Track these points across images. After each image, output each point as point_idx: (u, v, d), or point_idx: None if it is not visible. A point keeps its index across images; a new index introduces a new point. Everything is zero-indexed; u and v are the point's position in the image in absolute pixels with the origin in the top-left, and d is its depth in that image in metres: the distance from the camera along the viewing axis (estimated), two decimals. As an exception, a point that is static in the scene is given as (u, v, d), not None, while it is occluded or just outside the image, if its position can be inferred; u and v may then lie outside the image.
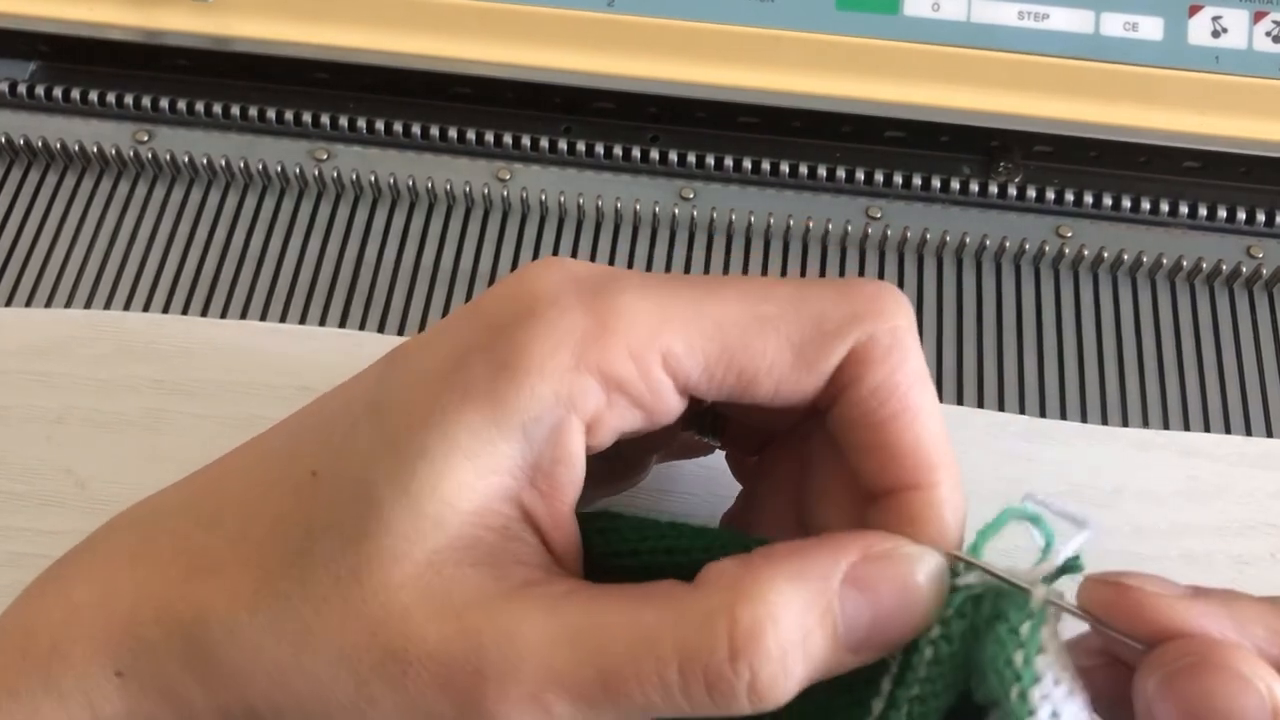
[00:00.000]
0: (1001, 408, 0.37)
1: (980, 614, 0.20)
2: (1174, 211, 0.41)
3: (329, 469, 0.22)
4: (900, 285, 0.40)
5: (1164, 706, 0.19)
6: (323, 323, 0.39)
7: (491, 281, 0.40)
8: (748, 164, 0.42)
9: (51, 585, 0.24)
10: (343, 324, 0.39)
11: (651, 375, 0.22)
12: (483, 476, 0.21)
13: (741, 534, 0.23)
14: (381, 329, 0.39)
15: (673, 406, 0.23)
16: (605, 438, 0.22)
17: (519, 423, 0.21)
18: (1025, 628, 0.19)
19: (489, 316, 0.22)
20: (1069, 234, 0.41)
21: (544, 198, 0.41)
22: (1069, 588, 0.21)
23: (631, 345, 0.21)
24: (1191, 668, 0.19)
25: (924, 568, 0.20)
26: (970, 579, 0.21)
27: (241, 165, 0.42)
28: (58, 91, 0.43)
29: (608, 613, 0.20)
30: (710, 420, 0.27)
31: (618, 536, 0.23)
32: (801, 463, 0.25)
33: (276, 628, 0.21)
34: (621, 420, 0.22)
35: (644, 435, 0.24)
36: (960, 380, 0.38)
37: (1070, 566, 0.21)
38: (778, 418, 0.25)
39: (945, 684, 0.21)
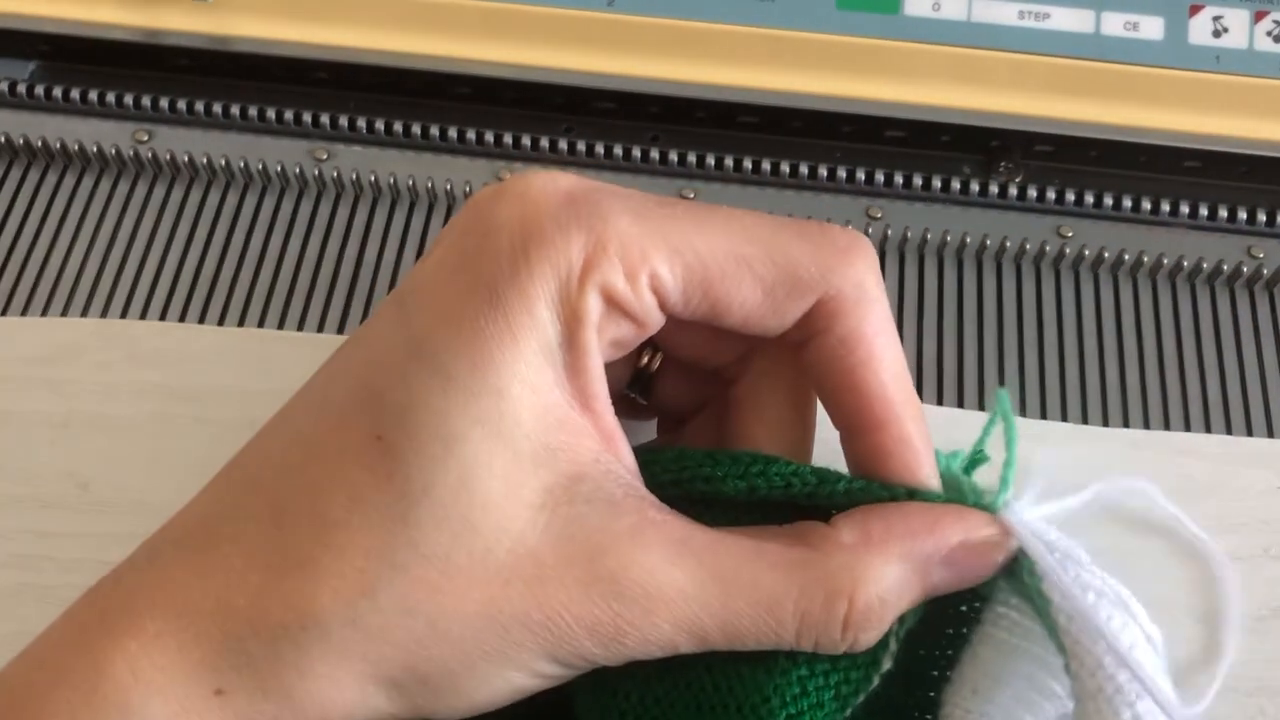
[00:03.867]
0: (1002, 408, 0.37)
1: None
2: (1174, 211, 0.41)
3: (395, 429, 0.22)
4: (900, 285, 0.40)
5: None
6: (322, 322, 0.39)
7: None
8: (748, 164, 0.42)
9: (108, 615, 0.23)
10: (343, 324, 0.39)
11: (642, 294, 0.23)
12: (551, 409, 0.22)
13: (793, 464, 0.25)
14: (382, 329, 0.39)
15: (656, 320, 0.24)
16: (605, 349, 0.24)
17: (558, 348, 0.22)
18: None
19: (499, 241, 0.23)
20: (1069, 234, 0.41)
21: (544, 198, 0.41)
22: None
23: (626, 266, 0.23)
24: None
25: (1004, 550, 0.24)
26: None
27: (241, 165, 0.42)
28: (58, 91, 0.43)
29: (732, 569, 0.22)
30: (643, 383, 0.29)
31: (660, 469, 0.25)
32: (728, 429, 0.27)
33: (403, 601, 0.21)
34: (617, 330, 0.24)
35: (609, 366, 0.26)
36: (960, 380, 0.38)
37: (979, 458, 0.26)
38: (718, 356, 0.27)
39: None
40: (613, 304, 0.23)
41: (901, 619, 0.24)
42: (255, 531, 0.22)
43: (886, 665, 0.24)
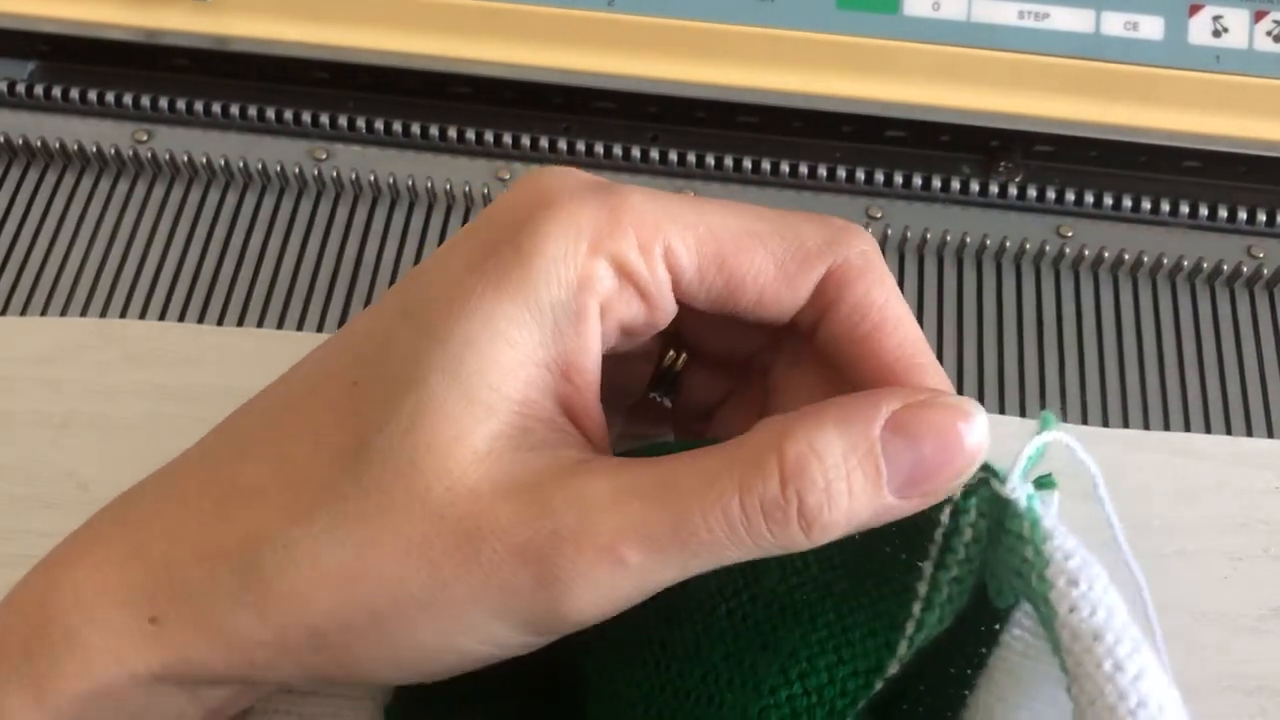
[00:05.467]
0: (1001, 408, 0.37)
1: (994, 519, 0.22)
2: (1174, 211, 0.41)
3: (368, 376, 0.23)
4: (900, 285, 0.40)
5: None
6: (322, 321, 0.39)
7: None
8: (748, 164, 0.42)
9: (71, 547, 0.24)
10: (342, 324, 0.39)
11: (655, 268, 0.23)
12: (523, 365, 0.22)
13: None
14: (382, 329, 0.39)
15: (669, 305, 0.24)
16: (611, 329, 0.24)
17: (549, 309, 0.22)
18: (1026, 528, 0.21)
19: (508, 215, 0.23)
20: (1069, 234, 0.41)
21: (544, 197, 0.41)
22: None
23: (640, 237, 0.23)
24: None
25: (965, 416, 0.21)
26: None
27: (241, 165, 0.42)
28: (57, 91, 0.43)
29: (671, 466, 0.22)
30: (668, 383, 0.29)
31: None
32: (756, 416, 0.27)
33: (338, 534, 0.21)
34: (627, 310, 0.23)
35: (625, 362, 0.25)
36: (960, 380, 0.38)
37: (1045, 483, 0.23)
38: (746, 344, 0.27)
39: (974, 572, 0.22)
40: (625, 276, 0.23)
41: (919, 623, 0.22)
42: (219, 468, 0.23)
43: (891, 669, 0.22)
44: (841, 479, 0.21)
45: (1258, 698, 0.29)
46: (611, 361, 0.25)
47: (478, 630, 0.22)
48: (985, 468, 0.22)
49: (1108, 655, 0.20)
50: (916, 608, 0.22)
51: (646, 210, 0.23)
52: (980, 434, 0.21)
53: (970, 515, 0.22)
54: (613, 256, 0.23)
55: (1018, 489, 0.22)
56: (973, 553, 0.22)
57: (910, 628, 0.22)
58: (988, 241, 0.40)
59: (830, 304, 0.24)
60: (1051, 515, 0.22)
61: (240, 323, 0.39)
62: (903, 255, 0.41)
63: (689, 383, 0.28)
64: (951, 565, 0.22)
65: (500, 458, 0.22)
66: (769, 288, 0.24)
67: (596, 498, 0.21)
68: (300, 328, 0.39)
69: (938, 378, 0.24)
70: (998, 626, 0.23)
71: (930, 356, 0.24)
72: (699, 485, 0.21)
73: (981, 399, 0.38)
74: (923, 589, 0.22)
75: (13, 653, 0.22)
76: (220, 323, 0.39)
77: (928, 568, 0.22)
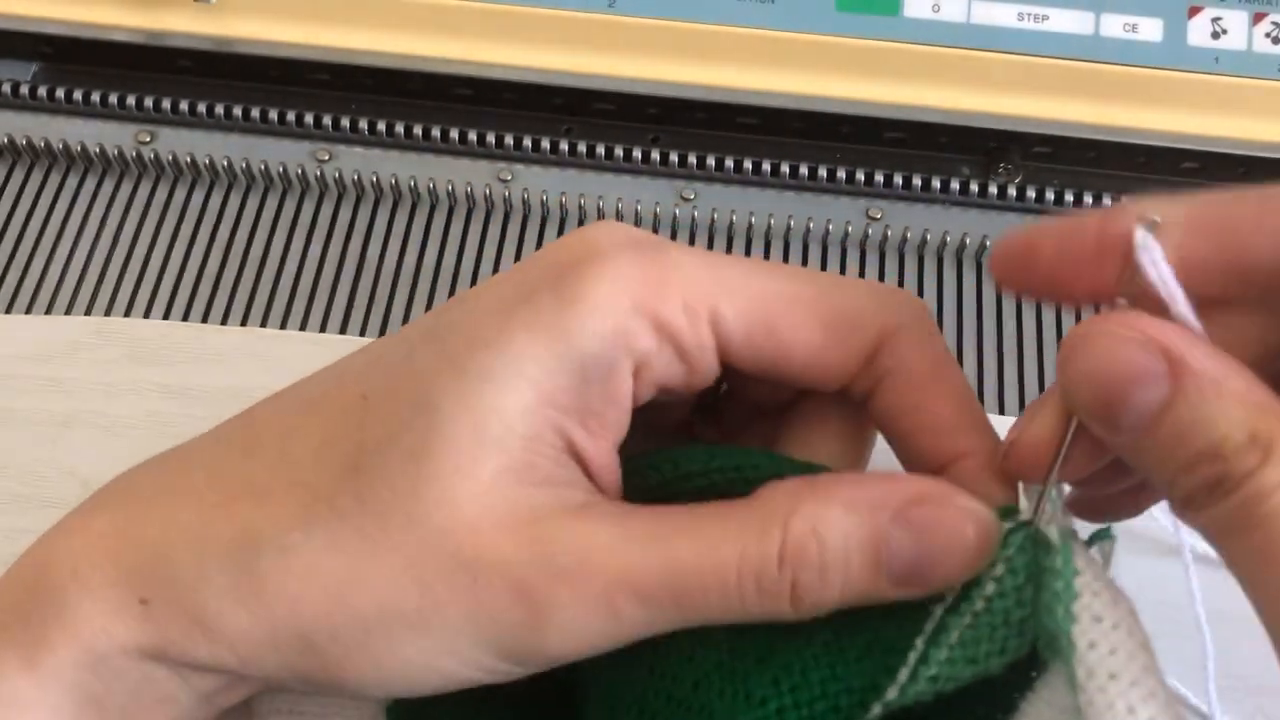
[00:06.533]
0: (1002, 409, 0.37)
1: (1036, 571, 0.22)
2: (1173, 212, 0.41)
3: (381, 391, 0.23)
4: (900, 285, 0.40)
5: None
6: (324, 322, 0.39)
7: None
8: (748, 164, 0.42)
9: (72, 521, 0.24)
10: (344, 324, 0.39)
11: (700, 330, 0.23)
12: (541, 408, 0.22)
13: (786, 457, 0.24)
14: (383, 331, 0.39)
15: (711, 368, 0.24)
16: (646, 388, 0.23)
17: (578, 357, 0.22)
18: (1059, 563, 0.21)
19: (553, 261, 0.23)
20: (1068, 234, 0.41)
21: (545, 198, 0.41)
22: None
23: (686, 299, 0.22)
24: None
25: (975, 522, 0.21)
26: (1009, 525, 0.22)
27: (243, 166, 0.42)
28: (60, 92, 0.43)
29: (675, 522, 0.22)
30: (705, 409, 0.28)
31: (669, 465, 0.24)
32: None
33: (334, 543, 0.21)
34: (665, 371, 0.23)
35: (660, 411, 0.25)
36: (960, 380, 0.38)
37: (1102, 535, 0.23)
38: (789, 394, 0.26)
39: (1001, 625, 0.22)
40: (666, 338, 0.23)
41: (924, 656, 0.21)
42: (224, 460, 0.24)
43: (890, 694, 0.22)
44: (839, 562, 0.21)
45: (1257, 697, 0.29)
46: (646, 411, 0.24)
47: (462, 654, 0.22)
48: (1011, 513, 0.22)
49: (1121, 696, 0.20)
50: (920, 641, 0.22)
51: (695, 272, 0.23)
52: (986, 540, 0.21)
53: (997, 569, 0.22)
54: (655, 316, 0.22)
55: (1052, 530, 0.21)
56: (996, 606, 0.22)
57: (913, 658, 0.22)
58: (987, 242, 0.40)
59: (884, 373, 0.24)
60: (1095, 559, 0.21)
61: (243, 323, 0.39)
62: (903, 255, 0.41)
63: (726, 411, 0.28)
64: (965, 613, 0.22)
65: (503, 491, 0.22)
66: (817, 354, 0.23)
67: (598, 544, 0.21)
68: (303, 328, 0.39)
69: (993, 445, 0.23)
70: (1034, 674, 0.23)
71: (985, 422, 0.24)
72: (701, 548, 0.21)
73: (981, 399, 0.38)
74: (929, 626, 0.22)
75: (10, 619, 0.23)
76: (223, 323, 0.39)
77: (938, 610, 0.22)
